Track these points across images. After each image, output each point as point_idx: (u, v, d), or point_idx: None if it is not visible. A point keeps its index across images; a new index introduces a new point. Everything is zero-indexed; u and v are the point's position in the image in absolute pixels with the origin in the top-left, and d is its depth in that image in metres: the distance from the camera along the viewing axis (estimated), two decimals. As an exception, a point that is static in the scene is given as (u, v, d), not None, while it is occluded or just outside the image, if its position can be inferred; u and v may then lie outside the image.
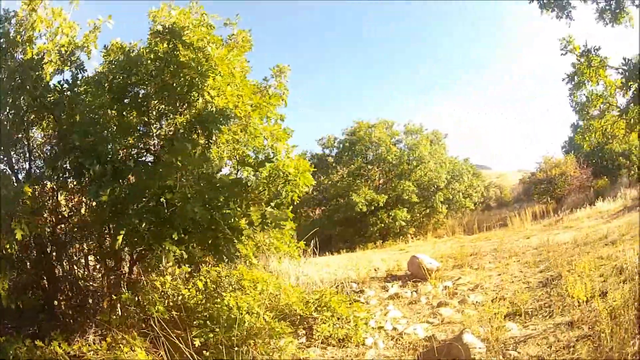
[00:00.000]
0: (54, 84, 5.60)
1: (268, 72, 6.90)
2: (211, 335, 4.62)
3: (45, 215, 5.35)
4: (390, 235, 19.47)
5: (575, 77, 7.80)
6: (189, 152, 5.12)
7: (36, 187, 5.37)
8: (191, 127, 5.60)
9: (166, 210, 4.89)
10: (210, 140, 5.56)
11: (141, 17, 6.02)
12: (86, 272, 5.92)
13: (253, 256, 6.05)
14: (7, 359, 4.33)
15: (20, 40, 5.69)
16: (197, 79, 5.39)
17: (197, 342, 4.48)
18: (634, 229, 8.94)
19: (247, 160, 5.57)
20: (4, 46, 5.57)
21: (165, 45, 5.61)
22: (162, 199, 4.89)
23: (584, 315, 4.84)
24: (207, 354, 4.43)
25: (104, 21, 6.06)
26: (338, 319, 5.84)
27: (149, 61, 5.63)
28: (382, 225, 19.31)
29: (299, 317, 5.81)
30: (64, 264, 5.73)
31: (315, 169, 21.88)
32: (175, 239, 4.70)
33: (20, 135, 5.57)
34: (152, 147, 5.72)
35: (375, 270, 10.43)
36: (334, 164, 22.25)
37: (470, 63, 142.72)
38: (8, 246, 4.64)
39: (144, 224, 4.73)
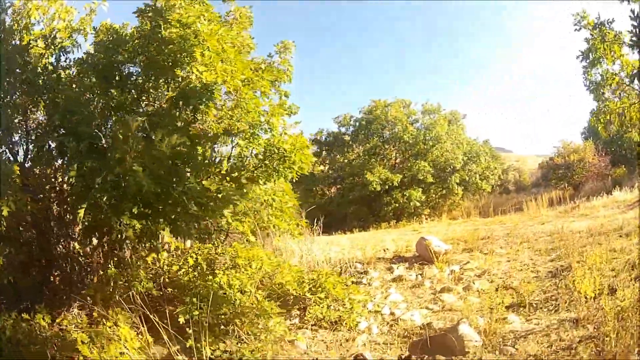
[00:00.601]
0: (39, 67, 5.61)
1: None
2: (196, 312, 4.48)
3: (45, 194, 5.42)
4: (404, 216, 19.23)
5: (590, 54, 7.21)
6: (174, 127, 4.98)
7: (36, 167, 5.52)
8: (175, 102, 5.45)
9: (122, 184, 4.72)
10: (197, 116, 5.37)
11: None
12: (82, 250, 5.85)
13: (251, 233, 5.87)
14: None
15: (17, 29, 5.76)
16: (181, 54, 5.24)
17: (181, 319, 4.37)
18: (650, 221, 8.49)
19: (233, 132, 5.37)
20: (2, 35, 5.61)
21: (148, 23, 5.51)
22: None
23: (590, 313, 4.54)
24: (190, 331, 4.30)
25: (99, 4, 6.09)
26: (335, 300, 5.65)
27: (135, 40, 5.56)
28: (397, 205, 19.04)
29: (292, 297, 5.64)
30: (62, 242, 5.70)
31: (328, 148, 22.04)
32: (135, 212, 4.54)
33: (20, 118, 5.66)
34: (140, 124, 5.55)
35: (385, 250, 10.22)
36: (350, 143, 21.92)
37: (471, 63, 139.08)
38: None
39: (105, 198, 4.62)
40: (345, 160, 21.12)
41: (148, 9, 5.52)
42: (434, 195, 20.60)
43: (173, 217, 4.65)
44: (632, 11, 5.96)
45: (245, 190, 5.01)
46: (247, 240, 5.95)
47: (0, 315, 4.49)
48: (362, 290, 6.60)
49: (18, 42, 5.72)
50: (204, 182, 4.73)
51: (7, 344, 4.22)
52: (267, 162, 5.64)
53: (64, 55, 5.85)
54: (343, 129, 22.59)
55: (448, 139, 20.41)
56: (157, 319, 4.24)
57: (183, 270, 5.36)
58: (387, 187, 19.10)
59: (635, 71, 6.99)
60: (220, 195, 4.71)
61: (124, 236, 4.90)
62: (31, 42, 5.74)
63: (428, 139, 20.40)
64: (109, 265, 5.22)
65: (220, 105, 5.84)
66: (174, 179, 4.58)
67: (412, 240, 10.56)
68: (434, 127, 20.35)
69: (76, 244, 5.68)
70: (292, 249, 8.98)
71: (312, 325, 5.50)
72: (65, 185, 5.56)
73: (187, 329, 4.29)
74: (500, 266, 7.60)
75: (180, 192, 4.44)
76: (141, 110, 5.58)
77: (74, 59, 5.84)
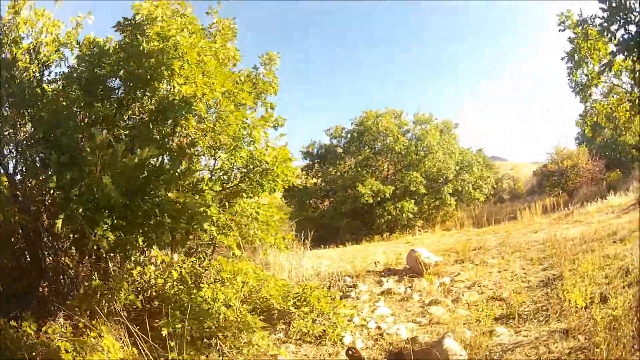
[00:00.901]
0: (25, 81, 5.68)
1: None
2: (179, 325, 4.42)
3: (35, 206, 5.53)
4: (397, 228, 19.04)
5: (575, 55, 7.13)
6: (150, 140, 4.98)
7: (26, 180, 5.64)
8: (155, 115, 5.46)
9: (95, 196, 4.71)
10: (176, 129, 5.31)
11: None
12: (70, 261, 5.88)
13: (237, 247, 5.77)
14: None
15: (6, 42, 5.81)
16: (160, 68, 5.21)
17: (164, 332, 4.31)
18: (643, 226, 8.38)
19: (216, 145, 5.30)
20: None
21: (128, 37, 5.53)
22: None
23: (582, 323, 4.39)
24: (172, 343, 4.25)
25: (84, 17, 6.15)
26: (320, 314, 5.51)
27: (117, 53, 5.57)
28: (389, 217, 18.86)
29: (276, 311, 5.50)
30: (51, 255, 5.76)
31: (320, 160, 21.91)
32: (110, 224, 4.63)
33: (10, 130, 5.67)
34: (123, 137, 5.48)
35: (375, 264, 10.09)
36: (342, 155, 21.81)
37: (470, 63, 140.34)
38: None
39: (80, 209, 4.61)
40: (338, 173, 20.96)
41: (127, 22, 5.52)
42: (427, 207, 20.45)
43: (145, 228, 4.59)
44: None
45: (210, 203, 4.92)
46: (233, 254, 5.86)
47: None
48: (349, 304, 6.45)
49: (8, 56, 5.74)
50: (169, 194, 4.64)
51: (-6, 350, 4.30)
52: (250, 175, 5.54)
53: (47, 69, 5.91)
54: (335, 141, 22.48)
55: (440, 149, 20.32)
56: (140, 332, 4.22)
57: (169, 283, 5.30)
58: (379, 199, 18.95)
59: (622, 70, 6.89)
60: (182, 208, 4.67)
61: (99, 247, 4.88)
62: (18, 56, 5.77)
63: (420, 150, 20.30)
64: (94, 277, 5.18)
65: (203, 119, 5.76)
66: (145, 190, 4.50)
67: (403, 252, 10.40)
68: (425, 137, 20.25)
69: (65, 257, 5.72)
70: (281, 263, 8.84)
71: (296, 339, 5.35)
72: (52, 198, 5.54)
73: (170, 341, 4.24)
74: (491, 277, 7.47)
75: (150, 204, 4.36)
76: (123, 123, 5.54)
77: (61, 72, 5.90)
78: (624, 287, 5.08)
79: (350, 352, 4.63)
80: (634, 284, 4.93)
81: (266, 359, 4.77)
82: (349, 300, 7.13)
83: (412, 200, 19.29)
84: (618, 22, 4.93)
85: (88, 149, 4.60)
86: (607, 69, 6.01)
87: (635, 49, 5.01)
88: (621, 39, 5.04)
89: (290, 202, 21.18)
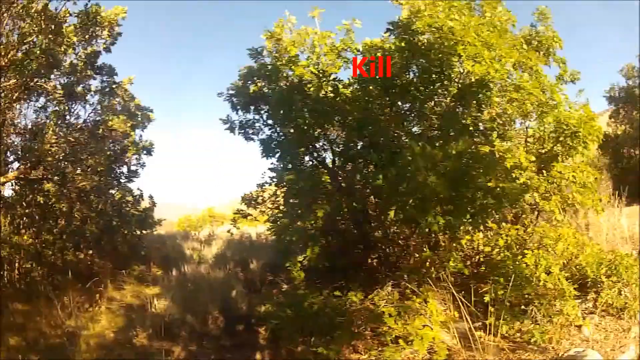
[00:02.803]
0: (325, 92, 6.23)
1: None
2: (501, 292, 4.65)
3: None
4: None
5: None
6: (459, 127, 5.32)
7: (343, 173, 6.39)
8: (457, 101, 5.72)
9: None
10: (481, 108, 5.56)
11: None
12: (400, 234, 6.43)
13: (559, 212, 5.79)
14: (303, 309, 5.02)
15: (281, 65, 6.36)
16: (445, 56, 5.41)
17: (486, 298, 4.60)
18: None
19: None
20: (268, 74, 6.40)
21: (403, 37, 5.79)
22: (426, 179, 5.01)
23: None
24: (492, 309, 4.44)
25: (350, 24, 6.36)
26: (625, 285, 5.10)
27: (402, 51, 5.79)
28: None
29: (590, 279, 5.31)
30: (379, 228, 6.44)
31: (622, 105, 18.58)
32: (438, 211, 4.94)
33: (319, 130, 6.30)
34: (424, 130, 6.01)
35: None
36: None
37: None
38: (312, 221, 5.55)
39: (410, 201, 5.07)
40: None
41: (397, 23, 5.92)
42: None
43: (472, 211, 4.95)
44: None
45: (526, 190, 5.07)
46: (555, 219, 5.89)
47: (312, 293, 5.23)
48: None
49: (291, 73, 6.27)
50: (489, 184, 4.87)
51: (314, 316, 4.87)
52: (560, 139, 5.46)
53: (327, 77, 6.18)
54: (629, 82, 19.04)
55: None
56: (464, 298, 4.47)
57: (495, 250, 5.55)
58: None
59: None
60: (501, 193, 4.88)
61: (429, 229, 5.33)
62: (299, 73, 6.16)
63: None
64: (424, 248, 5.72)
65: (504, 88, 5.84)
66: (465, 179, 4.88)
67: None
68: None
69: (393, 229, 6.30)
70: (600, 224, 8.17)
71: (601, 310, 5.04)
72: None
73: (490, 307, 4.46)
74: None
75: (473, 189, 4.73)
76: (426, 116, 5.98)
77: (349, 76, 6.31)
78: None
79: None
80: None
81: (570, 330, 4.68)
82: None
83: None
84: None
85: (409, 153, 5.08)
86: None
87: None
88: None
89: (605, 153, 18.91)
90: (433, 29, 5.55)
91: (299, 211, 5.79)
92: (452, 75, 5.68)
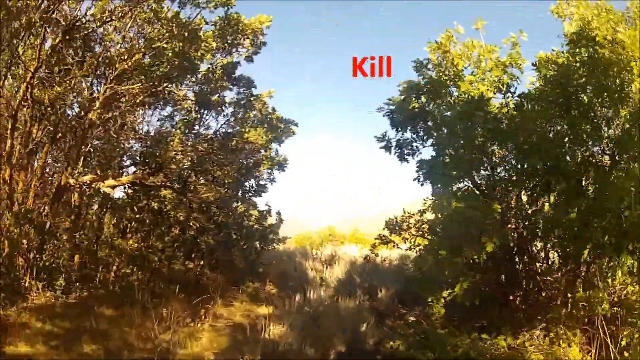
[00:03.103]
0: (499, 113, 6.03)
1: None
2: (637, 335, 4.36)
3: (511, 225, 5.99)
4: None
5: None
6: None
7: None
8: (633, 124, 5.19)
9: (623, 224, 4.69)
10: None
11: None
12: (544, 267, 6.15)
13: None
14: (445, 351, 4.82)
15: (445, 79, 6.34)
16: (623, 74, 5.06)
17: (623, 341, 4.33)
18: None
19: None
20: (433, 89, 6.30)
21: (582, 50, 5.40)
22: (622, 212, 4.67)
23: None
24: (626, 354, 4.26)
25: (517, 36, 6.21)
26: None
27: (575, 68, 5.46)
28: None
29: None
30: (524, 260, 6.18)
31: None
32: (630, 249, 4.58)
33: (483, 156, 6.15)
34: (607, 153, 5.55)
35: None
36: None
37: None
38: (476, 256, 5.29)
39: (605, 237, 4.72)
40: None
41: (579, 35, 5.50)
42: None
43: None
44: None
45: None
46: None
47: (458, 334, 5.06)
48: None
49: (456, 89, 6.25)
50: None
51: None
52: None
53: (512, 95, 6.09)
54: None
55: None
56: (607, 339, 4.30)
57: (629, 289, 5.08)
58: None
59: None
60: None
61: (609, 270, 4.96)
62: (467, 88, 6.11)
63: None
64: (577, 288, 5.33)
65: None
66: None
67: None
68: None
69: (537, 263, 6.06)
70: None
71: None
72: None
73: (625, 351, 4.26)
74: None
75: None
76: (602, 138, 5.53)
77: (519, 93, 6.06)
78: None
79: None
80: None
81: None
82: None
83: None
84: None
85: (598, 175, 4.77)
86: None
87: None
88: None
89: None
90: (606, 42, 5.19)
91: (462, 243, 5.37)
92: (631, 94, 5.28)
